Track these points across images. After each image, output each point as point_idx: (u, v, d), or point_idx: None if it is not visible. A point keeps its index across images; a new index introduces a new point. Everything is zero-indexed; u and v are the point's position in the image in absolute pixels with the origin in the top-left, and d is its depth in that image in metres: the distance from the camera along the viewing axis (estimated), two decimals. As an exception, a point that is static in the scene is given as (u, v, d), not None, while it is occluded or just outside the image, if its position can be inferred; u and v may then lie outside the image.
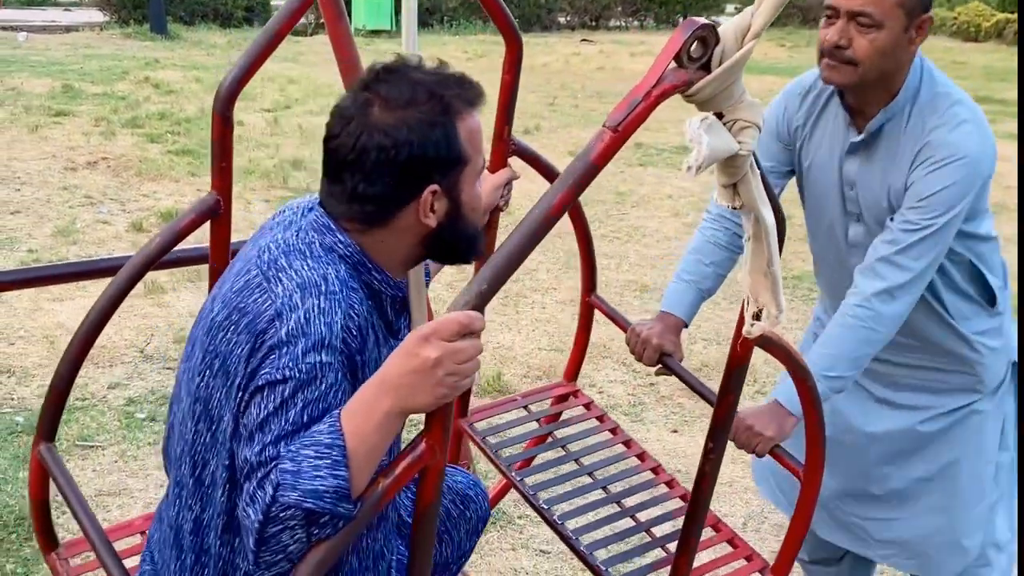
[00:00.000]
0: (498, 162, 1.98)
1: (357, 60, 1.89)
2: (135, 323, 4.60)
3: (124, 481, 3.36)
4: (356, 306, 1.38)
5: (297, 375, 1.31)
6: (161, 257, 1.75)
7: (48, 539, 1.88)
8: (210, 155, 1.80)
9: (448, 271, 4.30)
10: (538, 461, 2.34)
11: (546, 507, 2.12)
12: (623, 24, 20.74)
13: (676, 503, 2.19)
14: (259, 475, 1.28)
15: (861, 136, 2.07)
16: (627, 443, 2.33)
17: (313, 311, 1.34)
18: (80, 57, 11.40)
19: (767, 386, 4.19)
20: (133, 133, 7.97)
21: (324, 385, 1.32)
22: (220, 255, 1.92)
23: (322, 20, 2.11)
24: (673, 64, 1.19)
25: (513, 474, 2.22)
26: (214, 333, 1.42)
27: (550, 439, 2.36)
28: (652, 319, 2.25)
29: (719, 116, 1.23)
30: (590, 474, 2.24)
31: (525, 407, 2.41)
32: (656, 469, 2.26)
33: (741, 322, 1.39)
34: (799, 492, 1.84)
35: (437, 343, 1.21)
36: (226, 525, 1.45)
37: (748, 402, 4.08)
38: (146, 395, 3.94)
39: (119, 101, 9.01)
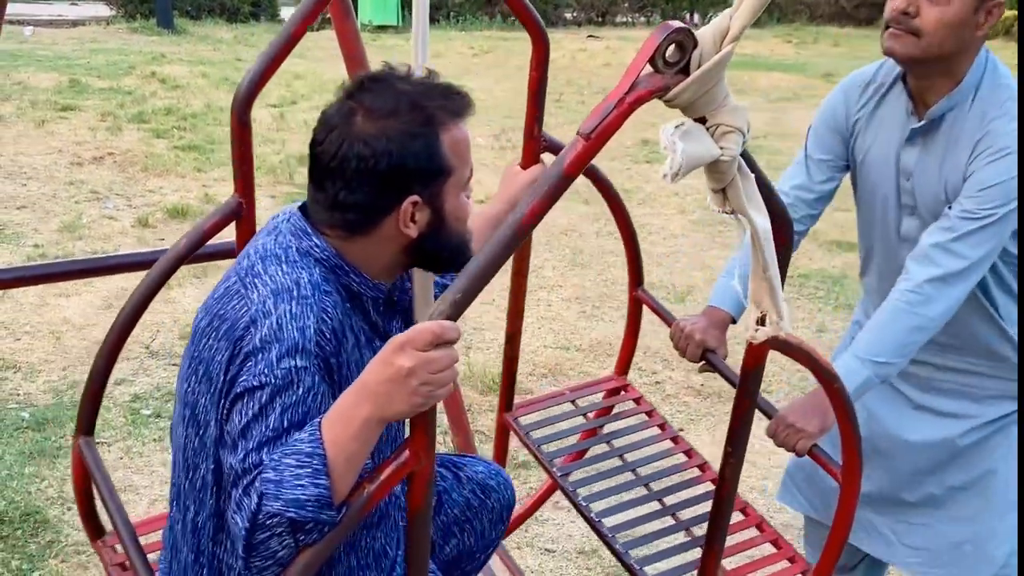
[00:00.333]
0: (529, 159, 1.98)
1: (363, 56, 1.89)
2: (140, 319, 4.60)
3: (129, 477, 3.36)
4: (330, 309, 1.40)
5: (273, 381, 1.32)
6: (189, 255, 1.79)
7: (94, 527, 1.93)
8: (231, 158, 1.82)
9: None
10: (583, 457, 2.33)
11: (584, 503, 2.11)
12: (630, 20, 20.70)
13: None
14: (244, 482, 1.30)
15: (923, 122, 2.03)
16: (674, 439, 2.30)
17: (285, 316, 1.36)
18: (86, 52, 11.40)
19: (772, 384, 4.18)
20: (139, 128, 7.97)
21: (301, 389, 1.34)
22: None
23: (328, 16, 2.10)
24: (649, 69, 1.17)
25: (555, 469, 2.21)
26: (198, 339, 1.45)
27: (597, 434, 2.34)
28: (698, 314, 2.22)
29: (702, 121, 1.21)
30: (633, 471, 2.22)
31: (572, 402, 2.39)
32: (702, 466, 2.23)
33: (761, 322, 1.38)
34: (838, 495, 1.80)
35: (411, 352, 1.22)
36: (217, 527, 1.47)
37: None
38: (151, 391, 3.94)
39: (125, 96, 9.01)
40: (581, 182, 2.07)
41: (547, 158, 2.08)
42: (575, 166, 1.18)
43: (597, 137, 1.17)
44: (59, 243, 5.45)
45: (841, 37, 18.41)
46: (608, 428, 2.35)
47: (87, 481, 1.87)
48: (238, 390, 1.34)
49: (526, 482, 3.42)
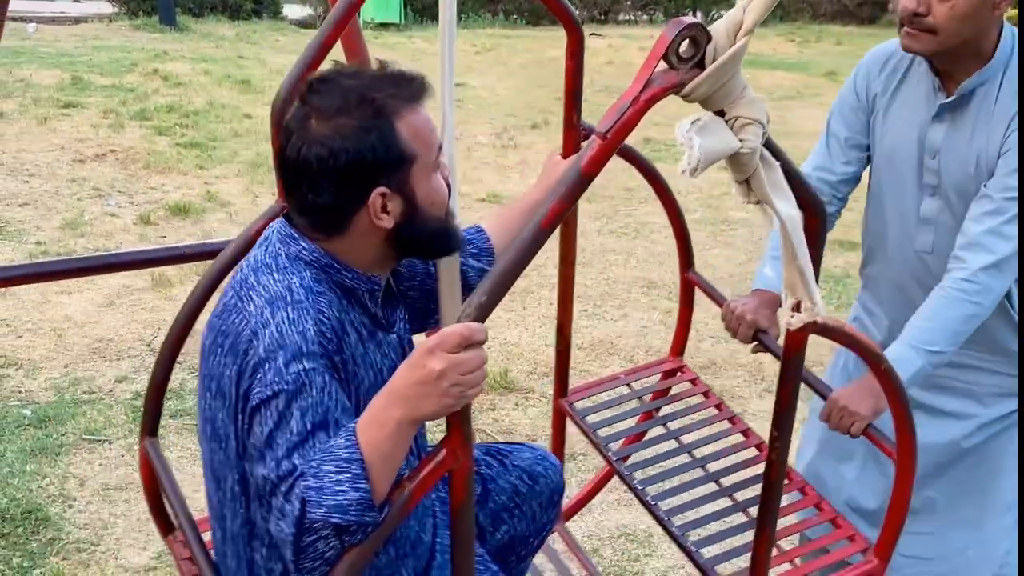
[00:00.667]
0: (570, 148, 2.00)
1: (365, 54, 1.88)
2: (142, 317, 4.60)
3: (131, 475, 3.36)
4: (325, 309, 1.42)
5: (285, 387, 1.34)
6: (236, 263, 1.81)
7: (164, 524, 1.98)
8: (272, 166, 1.83)
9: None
10: (639, 440, 2.33)
11: (640, 487, 2.12)
12: (632, 18, 20.68)
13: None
14: (283, 489, 1.32)
15: (952, 97, 2.02)
16: (732, 419, 2.30)
17: (284, 323, 1.38)
18: (89, 49, 11.39)
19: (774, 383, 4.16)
20: (141, 125, 7.97)
21: (315, 390, 1.35)
22: None
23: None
24: (663, 66, 1.17)
25: (611, 454, 2.22)
26: (206, 357, 1.47)
27: (653, 417, 2.34)
28: (747, 295, 2.22)
29: (721, 114, 1.22)
30: (690, 452, 2.22)
31: (628, 385, 2.40)
32: (760, 446, 2.22)
33: (796, 308, 1.39)
34: (894, 476, 1.81)
35: (440, 355, 1.24)
36: (250, 534, 1.51)
37: (756, 400, 4.06)
38: (153, 388, 3.94)
39: (128, 93, 9.00)
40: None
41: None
42: (593, 166, 1.19)
43: (614, 136, 1.17)
44: (61, 240, 5.45)
45: (844, 35, 18.38)
46: (664, 411, 2.35)
47: (154, 480, 1.91)
48: (254, 403, 1.36)
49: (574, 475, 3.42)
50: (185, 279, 5.00)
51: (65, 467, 3.38)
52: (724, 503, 2.13)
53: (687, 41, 1.16)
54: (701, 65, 1.17)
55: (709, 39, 1.16)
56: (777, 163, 1.25)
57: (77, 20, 14.73)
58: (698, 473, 2.18)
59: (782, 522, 1.76)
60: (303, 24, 16.75)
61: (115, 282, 4.86)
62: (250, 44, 13.38)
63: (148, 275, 4.96)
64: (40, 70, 9.61)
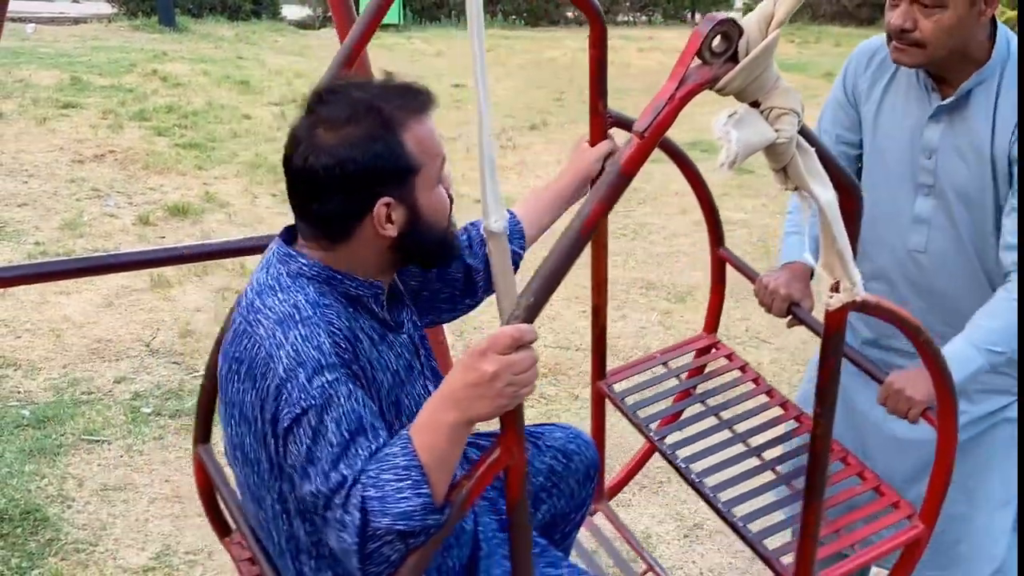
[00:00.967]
0: (596, 135, 2.02)
1: (364, 54, 1.88)
2: (141, 317, 4.60)
3: (130, 476, 3.36)
4: (335, 320, 1.44)
5: (313, 402, 1.36)
6: None
7: (220, 526, 2.01)
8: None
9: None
10: (679, 418, 2.34)
11: (684, 465, 2.13)
12: (631, 19, 20.68)
13: None
14: (338, 501, 1.33)
15: (952, 98, 2.02)
16: (769, 392, 2.30)
17: (298, 341, 1.39)
18: (88, 49, 11.39)
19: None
20: (140, 126, 7.96)
21: (343, 399, 1.37)
22: None
23: (330, 14, 2.11)
24: (697, 62, 1.19)
25: (652, 433, 2.23)
26: (225, 385, 1.49)
27: (691, 394, 2.35)
28: (778, 269, 2.22)
29: (755, 105, 1.23)
30: (730, 428, 2.22)
31: (664, 364, 2.40)
32: (799, 418, 2.22)
33: (835, 288, 1.42)
34: (937, 441, 1.86)
35: (493, 357, 1.26)
36: (297, 548, 1.53)
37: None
38: (152, 390, 3.94)
39: (127, 94, 9.00)
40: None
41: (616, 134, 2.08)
42: (632, 165, 1.21)
43: (652, 134, 1.19)
44: (60, 241, 5.45)
45: (843, 36, 18.39)
46: (702, 387, 2.35)
47: (209, 485, 1.95)
48: (285, 424, 1.37)
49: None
50: (184, 280, 5.00)
51: (64, 467, 3.38)
52: (767, 476, 2.14)
53: (719, 36, 1.18)
54: (734, 59, 1.19)
55: (741, 33, 1.18)
56: (812, 149, 1.27)
57: (76, 21, 14.72)
58: (740, 448, 2.18)
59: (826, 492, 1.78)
60: (302, 25, 16.75)
61: (114, 283, 4.86)
62: (249, 45, 13.37)
63: (147, 276, 4.95)
64: (39, 71, 9.61)
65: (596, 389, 2.39)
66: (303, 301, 1.43)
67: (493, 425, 1.40)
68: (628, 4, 20.70)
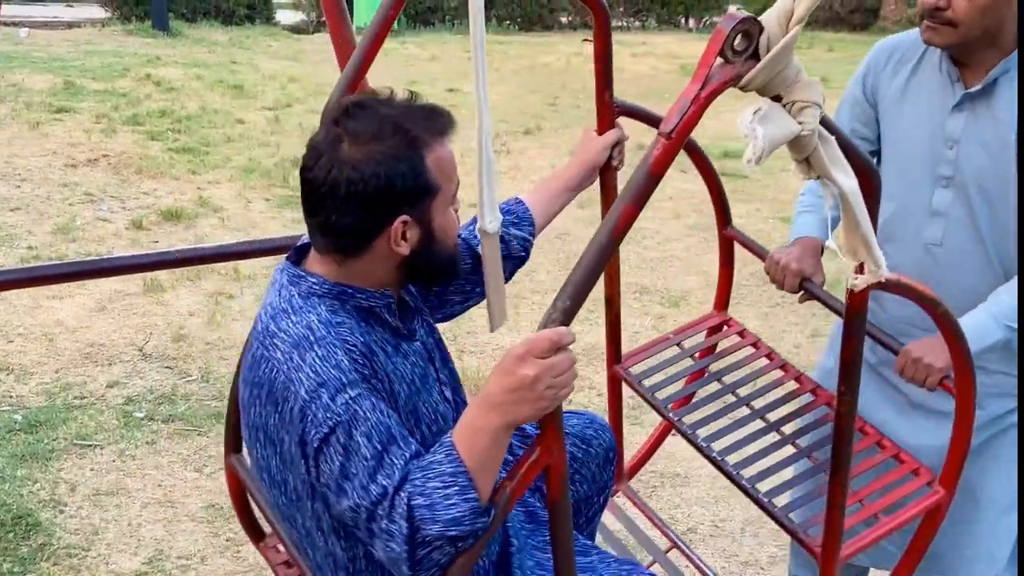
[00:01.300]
0: (604, 125, 2.04)
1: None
2: (134, 321, 4.59)
3: (122, 481, 3.35)
4: (349, 337, 1.45)
5: (339, 419, 1.37)
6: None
7: (254, 531, 2.04)
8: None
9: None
10: (696, 397, 2.35)
11: (705, 444, 2.14)
12: (625, 24, 20.71)
13: None
14: (382, 512, 1.35)
15: (978, 87, 2.02)
16: (783, 367, 2.32)
17: (316, 363, 1.40)
18: (81, 54, 11.38)
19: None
20: (134, 130, 7.96)
21: (368, 413, 1.39)
22: None
23: (324, 18, 2.11)
24: (720, 61, 1.21)
25: (671, 414, 2.25)
26: (247, 410, 1.51)
27: (706, 374, 2.36)
28: (789, 245, 2.22)
29: (777, 99, 1.25)
30: (748, 404, 2.24)
31: (678, 344, 2.42)
32: (815, 391, 2.24)
33: (859, 271, 1.45)
34: (955, 410, 1.90)
35: (532, 361, 1.29)
36: (335, 564, 1.56)
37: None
38: (144, 394, 3.94)
39: (120, 98, 8.99)
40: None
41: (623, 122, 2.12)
42: (660, 166, 1.23)
43: (678, 135, 1.21)
44: (52, 245, 5.43)
45: (836, 42, 18.43)
46: (717, 365, 2.37)
47: (243, 492, 1.97)
48: (315, 444, 1.39)
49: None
50: (177, 284, 4.99)
51: (56, 472, 3.37)
52: (788, 451, 2.16)
53: (741, 35, 1.19)
54: (755, 56, 1.21)
55: (761, 30, 1.20)
56: (832, 137, 1.29)
57: (70, 25, 14.70)
58: (759, 424, 2.20)
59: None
60: (296, 30, 16.74)
61: (107, 287, 4.85)
62: (243, 49, 13.37)
63: (140, 280, 4.95)
64: (32, 75, 9.59)
65: (612, 374, 2.41)
66: (316, 321, 1.45)
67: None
68: (622, 9, 20.72)
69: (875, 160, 2.27)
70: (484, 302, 1.86)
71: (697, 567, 2.42)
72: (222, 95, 9.71)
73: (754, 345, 2.38)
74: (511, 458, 1.66)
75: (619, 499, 2.47)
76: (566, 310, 1.26)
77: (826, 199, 1.33)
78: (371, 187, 1.43)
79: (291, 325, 1.45)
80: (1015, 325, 1.97)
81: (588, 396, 4.11)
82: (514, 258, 1.92)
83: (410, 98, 1.54)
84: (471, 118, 1.58)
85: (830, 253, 2.24)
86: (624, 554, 2.41)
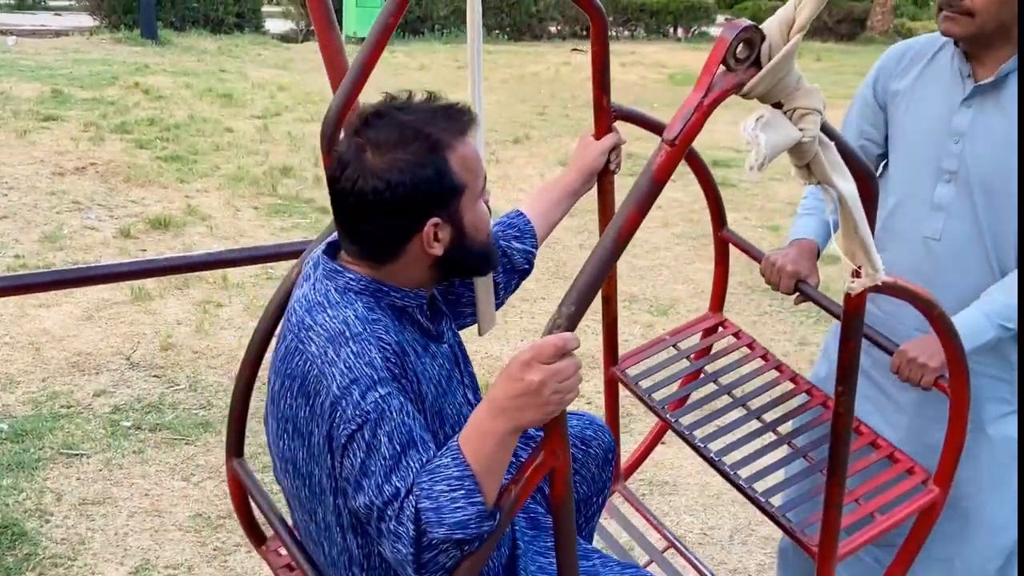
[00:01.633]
0: (601, 130, 2.06)
1: (347, 68, 1.88)
2: (121, 330, 4.58)
3: (109, 490, 3.33)
4: (384, 335, 1.46)
5: (368, 417, 1.39)
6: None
7: (255, 536, 2.05)
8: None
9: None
10: (692, 398, 2.36)
11: (702, 445, 2.16)
12: (614, 34, 20.79)
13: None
14: (391, 513, 1.37)
15: (991, 79, 2.03)
16: (779, 367, 2.34)
17: (351, 358, 1.42)
18: (70, 62, 11.35)
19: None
20: (122, 139, 7.94)
21: (395, 413, 1.40)
22: None
23: (313, 27, 2.11)
24: (722, 69, 1.22)
25: (668, 415, 2.26)
26: (277, 401, 1.52)
27: (702, 375, 2.37)
28: (785, 247, 2.24)
29: (778, 106, 1.26)
30: (744, 405, 2.26)
31: (674, 346, 2.43)
32: (811, 391, 2.26)
33: (856, 274, 1.47)
34: (949, 415, 1.92)
35: (538, 367, 1.30)
36: (350, 560, 1.57)
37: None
38: (132, 403, 3.92)
39: (108, 106, 8.97)
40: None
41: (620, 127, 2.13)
42: (663, 172, 1.25)
43: (681, 142, 1.23)
44: (40, 254, 5.41)
45: (823, 52, 18.54)
46: (713, 366, 2.38)
47: (245, 497, 1.98)
48: (342, 440, 1.40)
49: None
50: (165, 292, 4.98)
51: (42, 481, 3.35)
52: (785, 450, 2.18)
53: (743, 43, 1.21)
54: (757, 64, 1.22)
55: (763, 38, 1.21)
56: (832, 143, 1.30)
57: (58, 33, 14.68)
58: (755, 424, 2.21)
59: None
60: (285, 38, 16.75)
61: (94, 295, 4.83)
62: (232, 58, 13.36)
63: (128, 288, 4.93)
64: (20, 83, 9.57)
65: (609, 375, 2.42)
66: (352, 317, 1.45)
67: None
68: (611, 19, 20.80)
69: (882, 163, 2.30)
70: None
71: (694, 567, 2.44)
72: (211, 103, 9.70)
73: (749, 346, 2.39)
74: (514, 460, 1.67)
75: (615, 499, 2.48)
76: (571, 316, 1.27)
77: (826, 204, 1.34)
78: (398, 195, 1.44)
79: (327, 319, 1.46)
80: (1009, 324, 1.98)
81: (577, 405, 4.11)
82: (518, 271, 1.92)
83: (428, 99, 1.54)
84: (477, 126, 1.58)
85: (827, 258, 2.26)
86: (621, 554, 2.43)
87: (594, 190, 2.11)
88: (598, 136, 2.06)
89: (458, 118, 1.52)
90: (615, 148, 2.06)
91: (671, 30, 22.22)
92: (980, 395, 2.12)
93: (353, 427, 1.39)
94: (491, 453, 1.36)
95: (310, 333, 1.46)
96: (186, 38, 14.75)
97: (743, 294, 5.41)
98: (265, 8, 17.55)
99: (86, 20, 15.49)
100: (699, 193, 2.36)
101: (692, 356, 2.41)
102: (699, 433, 2.20)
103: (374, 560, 1.55)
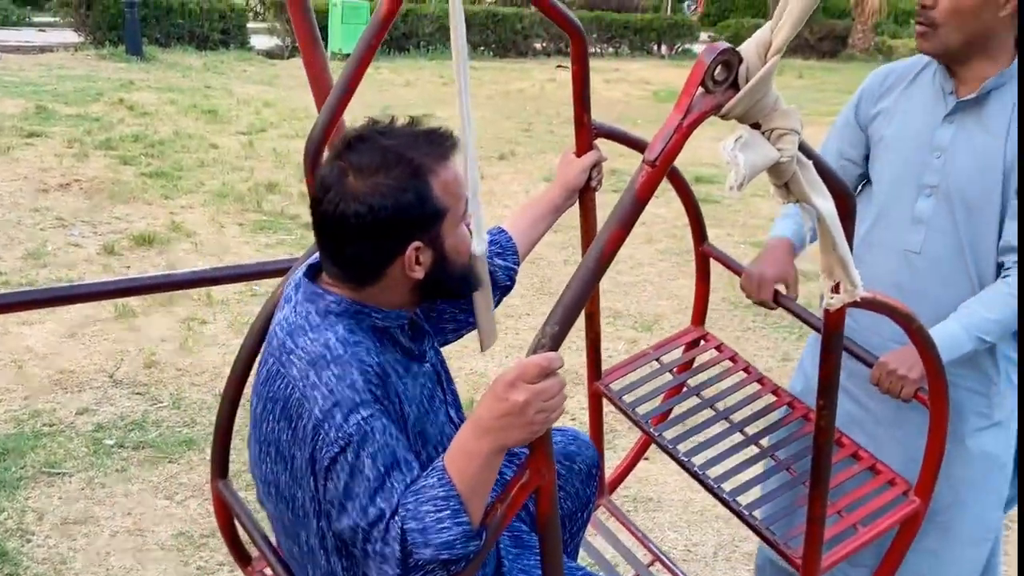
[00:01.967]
0: (583, 147, 2.08)
1: (331, 85, 1.89)
2: (105, 348, 4.55)
3: (91, 509, 3.31)
4: (365, 357, 1.46)
5: (350, 439, 1.39)
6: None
7: (241, 555, 2.06)
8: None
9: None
10: (675, 412, 2.37)
11: (686, 459, 2.17)
12: (598, 51, 20.90)
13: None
14: (377, 535, 1.37)
15: (973, 95, 2.05)
16: (760, 380, 2.36)
17: (332, 381, 1.42)
18: (54, 78, 11.32)
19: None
20: (106, 155, 7.91)
21: (377, 434, 1.40)
22: None
23: (298, 44, 2.11)
24: (701, 91, 1.24)
25: (651, 429, 2.27)
26: (259, 424, 1.52)
27: (685, 389, 2.39)
28: (761, 257, 2.27)
29: (757, 126, 1.28)
30: (727, 418, 2.27)
31: (657, 360, 2.44)
32: (792, 403, 2.28)
33: (835, 290, 1.49)
34: (929, 421, 1.95)
35: (523, 387, 1.30)
36: None
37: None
38: (115, 421, 3.89)
39: (93, 123, 8.95)
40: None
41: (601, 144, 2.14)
42: (645, 191, 1.27)
43: (662, 163, 1.25)
44: (23, 271, 5.38)
45: (805, 69, 18.68)
46: (696, 380, 2.40)
47: (229, 518, 1.98)
48: (325, 463, 1.40)
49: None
50: (149, 310, 4.96)
51: (24, 501, 3.32)
52: (768, 463, 2.19)
53: (720, 65, 1.23)
54: (735, 86, 1.24)
55: (740, 60, 1.23)
56: (810, 162, 1.32)
57: (42, 49, 14.63)
58: (738, 438, 2.24)
59: None
60: (270, 55, 16.75)
61: (78, 313, 4.80)
62: (217, 74, 13.35)
63: (112, 306, 4.91)
64: (3, 99, 9.53)
65: (593, 390, 2.43)
66: (333, 340, 1.46)
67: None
68: (595, 36, 20.90)
69: (861, 183, 2.32)
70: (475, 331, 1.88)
71: None
72: (196, 120, 9.69)
73: (731, 359, 2.41)
74: (499, 479, 1.68)
75: (600, 514, 2.49)
76: (555, 335, 1.28)
77: (804, 222, 1.36)
78: (380, 219, 1.45)
79: (308, 342, 1.46)
80: (986, 337, 2.00)
81: (561, 421, 4.10)
82: (500, 287, 1.93)
83: (410, 124, 1.55)
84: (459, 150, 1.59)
85: (809, 273, 2.28)
86: (608, 570, 2.43)
87: (577, 206, 2.12)
88: (579, 153, 2.08)
89: (440, 143, 1.53)
90: (596, 165, 2.08)
91: (655, 47, 22.35)
92: (958, 408, 2.14)
93: (336, 450, 1.39)
94: (476, 473, 1.36)
95: (291, 356, 1.46)
96: (171, 54, 14.74)
97: (726, 310, 5.43)
98: (250, 25, 17.56)
99: (71, 36, 15.45)
100: (683, 209, 2.38)
101: (675, 370, 2.43)
102: (682, 447, 2.21)
103: None
